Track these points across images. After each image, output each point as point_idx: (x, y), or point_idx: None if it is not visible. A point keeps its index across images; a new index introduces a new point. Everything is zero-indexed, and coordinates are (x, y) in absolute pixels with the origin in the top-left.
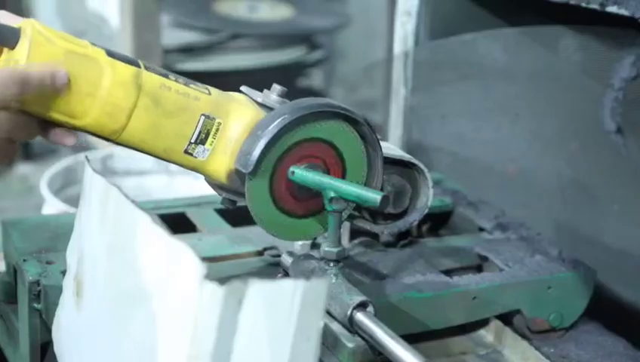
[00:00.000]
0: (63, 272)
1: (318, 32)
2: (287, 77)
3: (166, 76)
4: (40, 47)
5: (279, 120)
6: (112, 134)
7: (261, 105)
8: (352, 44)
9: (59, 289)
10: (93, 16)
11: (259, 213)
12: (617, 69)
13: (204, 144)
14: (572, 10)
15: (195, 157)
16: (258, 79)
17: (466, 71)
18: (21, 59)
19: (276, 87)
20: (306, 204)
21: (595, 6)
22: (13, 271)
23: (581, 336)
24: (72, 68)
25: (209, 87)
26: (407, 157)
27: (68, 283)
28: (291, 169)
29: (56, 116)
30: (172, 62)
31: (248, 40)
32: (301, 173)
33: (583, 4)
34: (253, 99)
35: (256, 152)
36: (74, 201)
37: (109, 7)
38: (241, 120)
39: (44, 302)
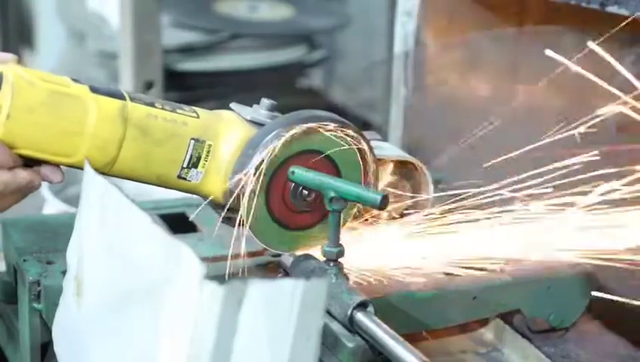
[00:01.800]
0: (63, 272)
1: (318, 32)
2: (287, 77)
3: (152, 105)
4: (22, 92)
5: (269, 137)
6: (103, 167)
7: (251, 122)
8: (352, 44)
9: (59, 289)
10: (93, 16)
11: (258, 229)
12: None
13: (196, 167)
14: (572, 9)
15: (189, 180)
16: (258, 79)
17: (467, 71)
18: (4, 105)
19: (265, 102)
20: (305, 216)
21: (595, 6)
22: (14, 271)
23: (581, 336)
24: (57, 108)
25: (197, 109)
26: (406, 157)
27: (68, 283)
28: (291, 169)
29: (47, 157)
30: (172, 62)
31: (248, 40)
32: (301, 173)
33: (583, 4)
34: (242, 117)
35: (249, 173)
36: (74, 201)
37: (109, 7)
38: (232, 139)
39: (45, 302)
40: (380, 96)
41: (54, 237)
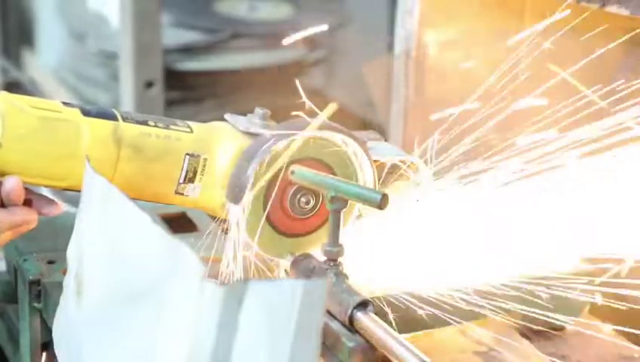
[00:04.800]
0: (64, 272)
1: (319, 31)
2: (287, 76)
3: (145, 123)
4: (14, 119)
5: (264, 147)
6: None
7: (245, 133)
8: (352, 43)
9: (59, 289)
10: (93, 16)
11: (259, 239)
12: (618, 69)
13: (193, 182)
14: (572, 9)
15: (187, 195)
16: (258, 79)
17: (467, 70)
18: None
19: (259, 111)
20: (304, 222)
21: (595, 5)
22: (14, 271)
23: (581, 336)
24: (49, 133)
25: (190, 123)
26: (405, 156)
27: (68, 283)
28: (291, 168)
29: (42, 182)
30: (172, 62)
31: (249, 39)
32: (301, 173)
33: (584, 3)
34: (236, 127)
35: (245, 184)
36: (74, 201)
37: (109, 7)
38: (227, 152)
39: (45, 302)
40: (380, 96)
41: (54, 236)
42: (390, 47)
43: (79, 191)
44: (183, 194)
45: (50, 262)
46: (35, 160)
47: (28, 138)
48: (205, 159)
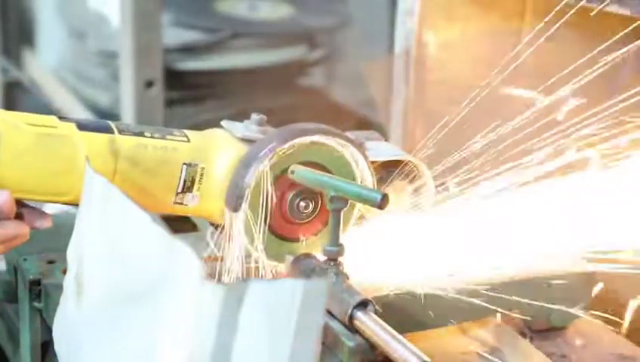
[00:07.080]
0: (64, 271)
1: (319, 30)
2: (288, 76)
3: (141, 134)
4: (9, 137)
5: (261, 153)
6: None
7: (242, 140)
8: (352, 42)
9: (59, 289)
10: (93, 15)
11: (258, 244)
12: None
13: (191, 191)
14: (572, 8)
15: (186, 205)
16: (259, 78)
17: (468, 70)
18: None
19: (255, 117)
20: (304, 227)
21: (595, 5)
22: (14, 270)
23: (581, 336)
24: (46, 150)
25: (187, 132)
26: (405, 156)
27: (69, 283)
28: (291, 168)
29: (41, 197)
30: (172, 62)
31: (249, 39)
32: (301, 173)
33: (584, 2)
34: (233, 134)
35: (243, 191)
36: None
37: (109, 6)
38: (224, 159)
39: (45, 301)
40: (381, 95)
41: (55, 236)
42: (390, 46)
43: (77, 205)
44: (182, 203)
45: (50, 262)
46: (33, 176)
47: (24, 155)
48: (203, 168)
